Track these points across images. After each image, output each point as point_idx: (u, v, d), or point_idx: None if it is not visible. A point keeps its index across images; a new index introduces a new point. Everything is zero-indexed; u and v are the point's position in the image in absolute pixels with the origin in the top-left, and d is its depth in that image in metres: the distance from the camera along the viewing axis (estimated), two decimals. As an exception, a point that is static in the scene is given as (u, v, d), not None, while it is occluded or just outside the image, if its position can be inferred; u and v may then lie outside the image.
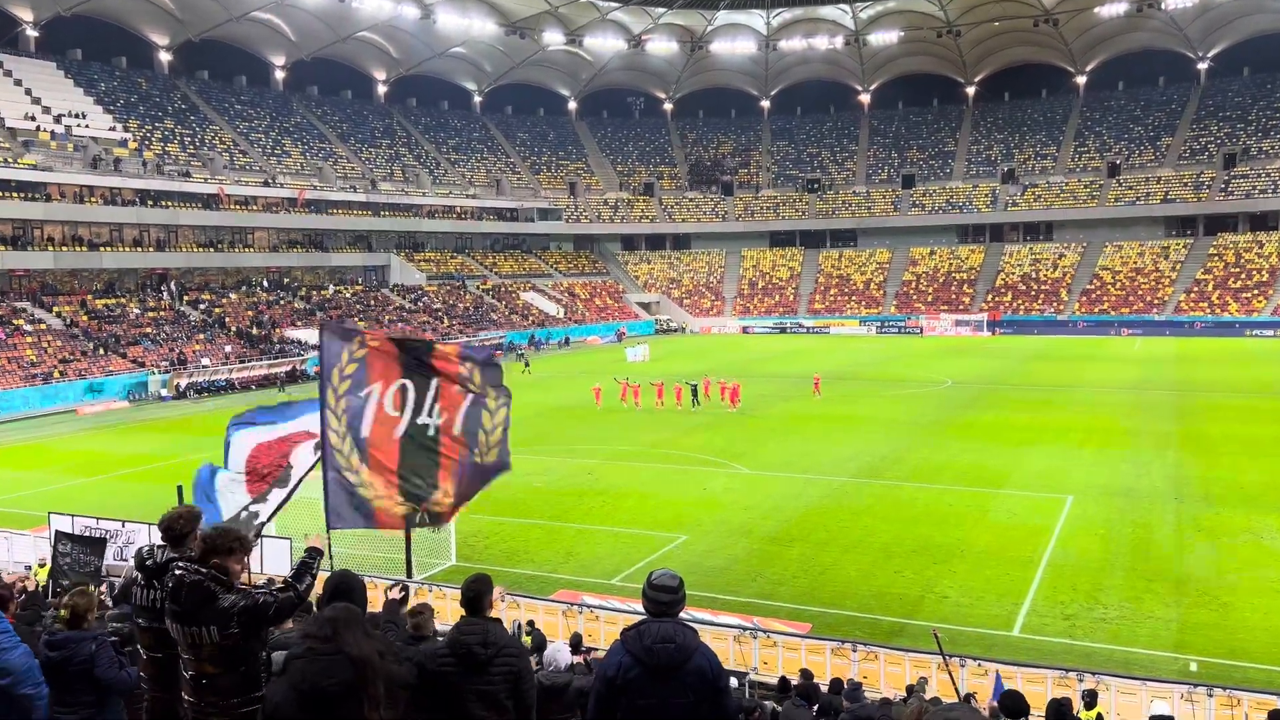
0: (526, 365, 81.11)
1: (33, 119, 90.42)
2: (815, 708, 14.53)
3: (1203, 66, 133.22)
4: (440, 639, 8.04)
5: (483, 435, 18.00)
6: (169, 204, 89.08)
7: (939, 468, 39.80)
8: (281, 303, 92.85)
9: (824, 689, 16.66)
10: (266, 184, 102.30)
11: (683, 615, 7.17)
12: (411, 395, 16.86)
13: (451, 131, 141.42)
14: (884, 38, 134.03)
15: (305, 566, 7.81)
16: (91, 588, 9.29)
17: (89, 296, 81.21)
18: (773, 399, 59.80)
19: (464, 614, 7.78)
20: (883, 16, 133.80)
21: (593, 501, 35.45)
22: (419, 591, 20.79)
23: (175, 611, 7.21)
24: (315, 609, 8.19)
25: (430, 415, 17.11)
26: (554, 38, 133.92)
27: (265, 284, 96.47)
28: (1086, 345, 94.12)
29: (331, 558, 17.35)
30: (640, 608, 7.54)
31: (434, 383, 16.94)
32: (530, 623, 19.85)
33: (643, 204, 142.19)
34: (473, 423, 17.74)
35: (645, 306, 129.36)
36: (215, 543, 7.36)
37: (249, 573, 11.36)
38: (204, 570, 7.27)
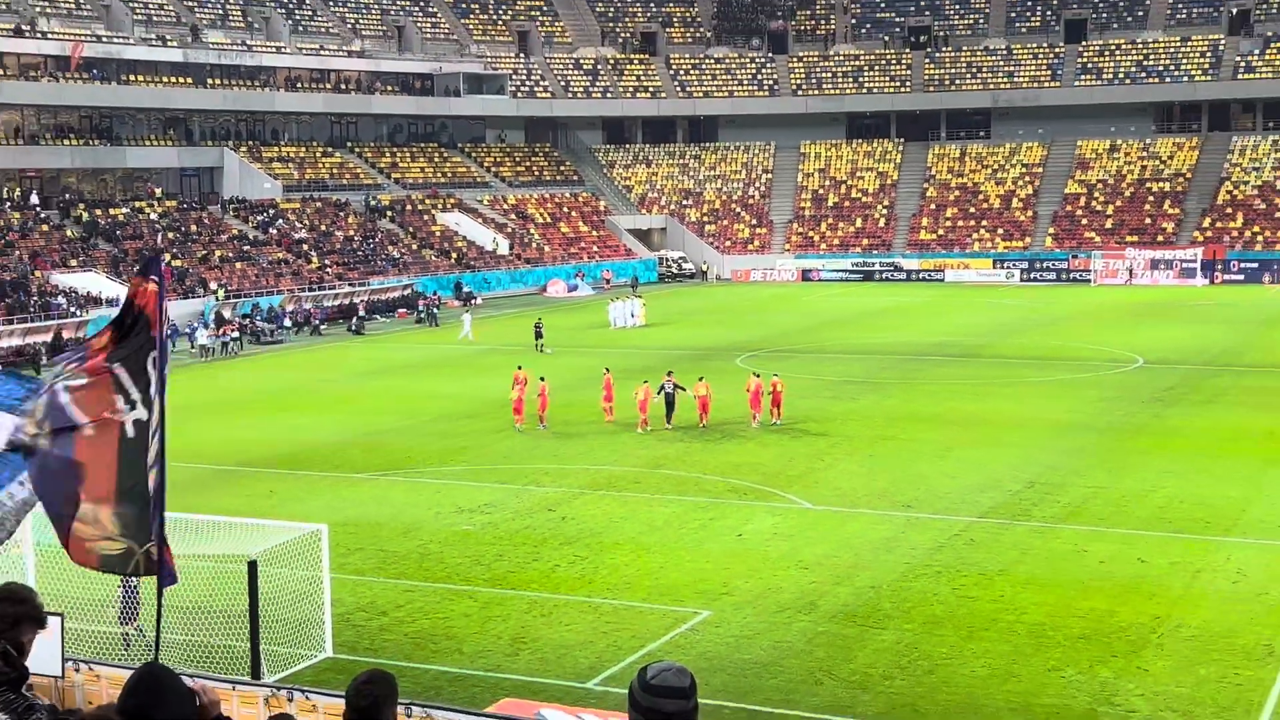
0: (539, 337, 55.57)
1: None
2: None
3: None
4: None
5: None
6: None
7: (1124, 502, 29.21)
8: (43, 229, 67.78)
9: None
10: (18, 32, 72.75)
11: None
12: (126, 380, 10.28)
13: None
14: None
15: None
16: None
17: None
18: (852, 389, 44.78)
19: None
20: None
21: (558, 556, 26.00)
22: (271, 701, 14.17)
23: None
24: None
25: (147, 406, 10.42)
26: None
27: (15, 197, 70.04)
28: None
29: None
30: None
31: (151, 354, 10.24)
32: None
33: (639, 68, 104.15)
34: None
35: (642, 237, 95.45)
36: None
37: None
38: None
